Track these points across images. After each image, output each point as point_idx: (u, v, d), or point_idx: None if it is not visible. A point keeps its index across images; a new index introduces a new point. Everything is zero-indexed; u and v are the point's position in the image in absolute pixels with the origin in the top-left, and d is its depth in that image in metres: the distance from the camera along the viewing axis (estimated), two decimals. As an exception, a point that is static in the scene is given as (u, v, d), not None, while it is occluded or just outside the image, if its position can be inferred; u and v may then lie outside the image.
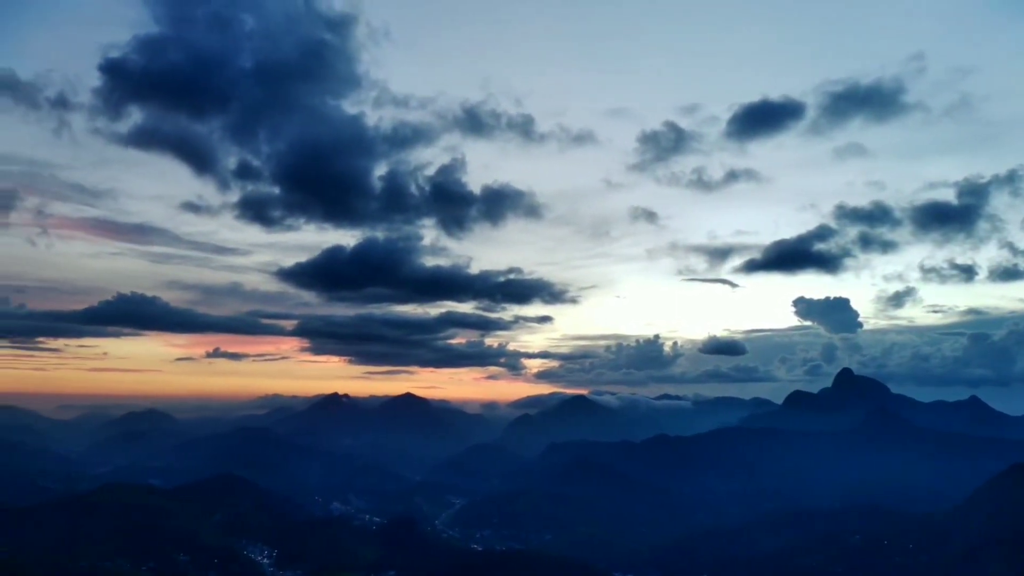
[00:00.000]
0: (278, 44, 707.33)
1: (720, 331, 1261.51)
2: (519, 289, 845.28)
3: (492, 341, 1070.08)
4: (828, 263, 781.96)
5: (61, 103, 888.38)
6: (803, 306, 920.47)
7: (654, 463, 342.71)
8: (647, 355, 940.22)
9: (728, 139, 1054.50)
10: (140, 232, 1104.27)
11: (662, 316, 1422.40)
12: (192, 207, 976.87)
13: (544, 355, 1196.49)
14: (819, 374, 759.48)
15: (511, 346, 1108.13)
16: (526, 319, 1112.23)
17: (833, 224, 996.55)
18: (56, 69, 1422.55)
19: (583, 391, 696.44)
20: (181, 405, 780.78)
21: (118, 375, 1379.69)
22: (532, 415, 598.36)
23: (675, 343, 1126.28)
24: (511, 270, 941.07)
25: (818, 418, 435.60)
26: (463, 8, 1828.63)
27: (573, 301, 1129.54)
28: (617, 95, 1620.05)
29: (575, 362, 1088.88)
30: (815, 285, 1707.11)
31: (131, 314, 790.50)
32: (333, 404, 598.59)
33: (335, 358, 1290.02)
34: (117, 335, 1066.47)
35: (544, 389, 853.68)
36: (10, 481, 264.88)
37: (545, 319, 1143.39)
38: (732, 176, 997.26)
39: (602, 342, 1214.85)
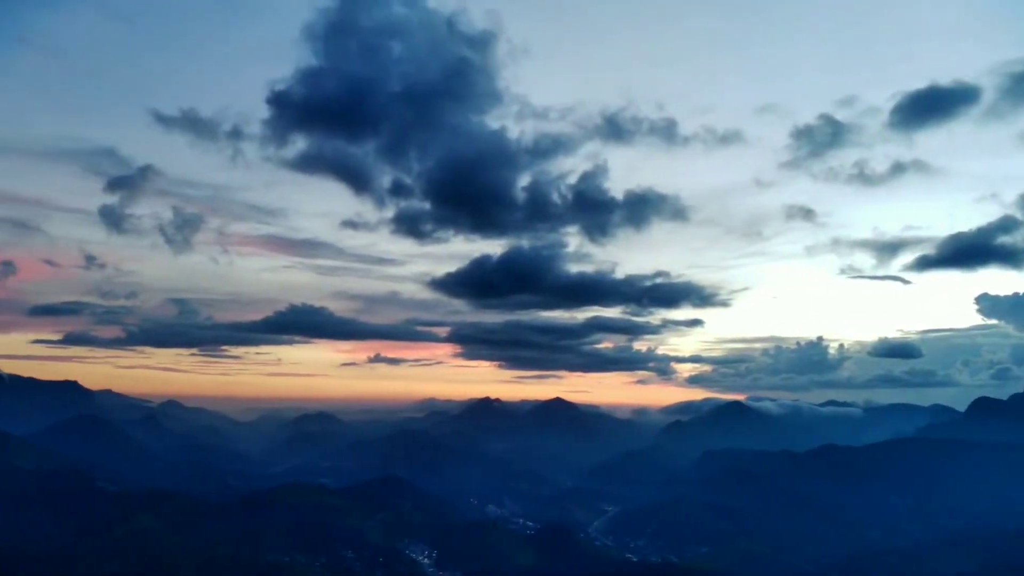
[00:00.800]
0: (424, 67, 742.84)
1: (892, 332, 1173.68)
2: (667, 293, 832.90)
3: (640, 345, 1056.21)
4: (1014, 257, 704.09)
5: (236, 134, 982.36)
6: (987, 303, 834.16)
7: (820, 475, 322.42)
8: (809, 358, 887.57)
9: (892, 130, 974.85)
10: (309, 247, 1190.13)
11: (824, 317, 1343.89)
12: (352, 224, 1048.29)
13: (696, 359, 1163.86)
14: (1008, 378, 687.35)
15: (660, 350, 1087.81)
16: (675, 323, 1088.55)
17: (1019, 215, 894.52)
18: (231, 105, 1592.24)
19: (739, 396, 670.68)
20: (347, 407, 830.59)
21: (291, 379, 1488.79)
22: (684, 421, 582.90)
23: (841, 345, 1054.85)
24: (658, 274, 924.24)
25: (1007, 427, 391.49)
26: (600, 17, 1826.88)
27: (724, 304, 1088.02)
28: (765, 92, 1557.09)
29: (729, 366, 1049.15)
30: (999, 281, 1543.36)
31: (301, 323, 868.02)
32: (485, 408, 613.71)
33: (486, 363, 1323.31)
34: (289, 343, 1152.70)
35: (697, 394, 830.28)
36: (203, 478, 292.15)
37: (695, 322, 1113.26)
38: (898, 168, 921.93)
39: (758, 345, 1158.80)
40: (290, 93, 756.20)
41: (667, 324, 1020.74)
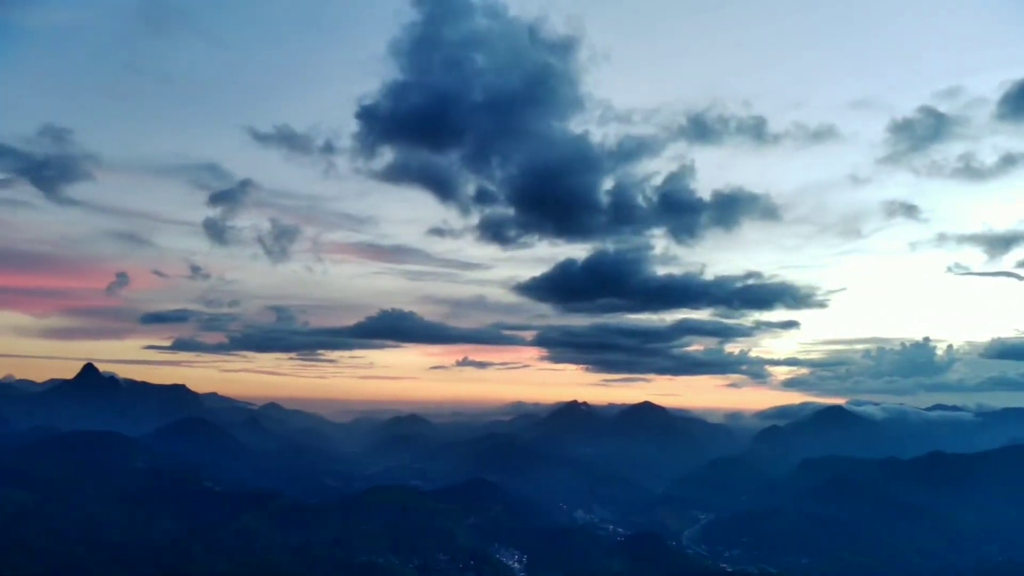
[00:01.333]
0: (506, 76, 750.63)
1: (1008, 332, 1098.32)
2: (759, 294, 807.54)
3: (732, 348, 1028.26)
4: None
5: (328, 148, 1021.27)
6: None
7: (928, 484, 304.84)
8: (914, 360, 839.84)
9: (1001, 121, 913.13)
10: (398, 253, 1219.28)
11: (931, 316, 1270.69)
12: (438, 231, 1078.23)
13: (791, 362, 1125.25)
14: None
15: (753, 352, 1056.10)
16: (769, 324, 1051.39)
17: None
18: (322, 121, 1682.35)
19: (839, 400, 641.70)
20: (437, 410, 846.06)
21: (382, 382, 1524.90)
22: (781, 426, 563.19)
23: (949, 346, 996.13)
24: (749, 275, 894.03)
25: None
26: (682, 17, 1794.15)
27: (821, 304, 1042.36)
28: (859, 86, 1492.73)
29: (828, 369, 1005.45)
30: None
31: (392, 328, 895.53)
32: (573, 411, 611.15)
33: (572, 366, 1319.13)
34: (381, 347, 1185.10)
35: (793, 398, 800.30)
36: (302, 479, 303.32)
37: (790, 324, 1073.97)
38: (1009, 160, 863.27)
39: (859, 346, 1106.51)
40: (377, 107, 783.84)
41: (760, 326, 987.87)
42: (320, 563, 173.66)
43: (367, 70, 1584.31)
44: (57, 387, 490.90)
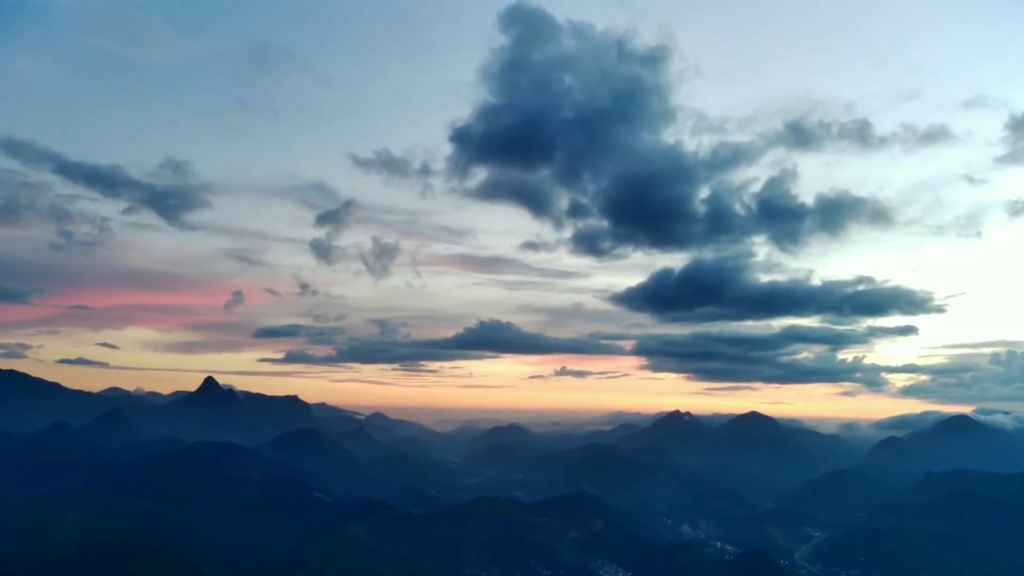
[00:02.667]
0: (594, 93, 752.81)
1: None
2: (871, 300, 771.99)
3: (845, 355, 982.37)
4: None
5: (424, 170, 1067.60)
6: None
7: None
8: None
9: None
10: (495, 263, 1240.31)
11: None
12: (532, 245, 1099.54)
13: (910, 369, 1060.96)
14: None
15: (868, 359, 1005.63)
16: (884, 330, 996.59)
17: None
18: (418, 144, 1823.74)
19: (964, 409, 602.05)
20: (536, 419, 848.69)
21: (482, 391, 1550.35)
22: (900, 437, 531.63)
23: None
24: (860, 280, 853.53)
25: None
26: (774, 22, 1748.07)
27: (939, 309, 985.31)
28: (972, 83, 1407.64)
29: (951, 376, 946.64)
30: None
31: (490, 339, 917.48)
32: (675, 422, 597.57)
33: (673, 375, 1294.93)
34: (480, 357, 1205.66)
35: (913, 407, 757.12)
36: (405, 489, 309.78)
37: (907, 329, 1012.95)
38: None
39: (985, 351, 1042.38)
40: (469, 130, 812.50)
41: (874, 332, 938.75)
42: (424, 575, 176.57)
43: (459, 95, 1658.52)
44: (182, 399, 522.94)
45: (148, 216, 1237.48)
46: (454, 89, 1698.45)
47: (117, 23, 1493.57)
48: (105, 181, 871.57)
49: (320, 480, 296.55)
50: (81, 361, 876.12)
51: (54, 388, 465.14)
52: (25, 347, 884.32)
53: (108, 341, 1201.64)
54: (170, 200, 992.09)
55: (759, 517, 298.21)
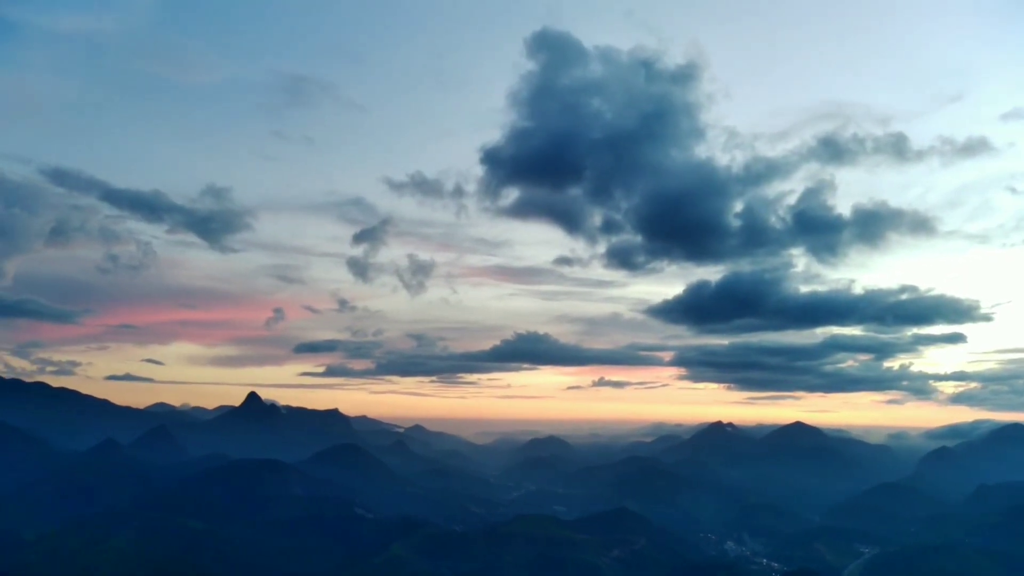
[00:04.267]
0: (623, 115, 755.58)
1: None
2: (916, 309, 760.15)
3: (890, 363, 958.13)
4: None
5: (458, 192, 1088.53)
6: None
7: None
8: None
9: None
10: (531, 274, 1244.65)
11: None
12: (566, 261, 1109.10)
13: (959, 376, 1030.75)
14: None
15: (915, 367, 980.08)
16: (930, 338, 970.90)
17: None
18: (451, 167, 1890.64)
19: (1019, 417, 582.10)
20: (575, 431, 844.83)
21: (520, 402, 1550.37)
22: (951, 447, 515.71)
23: None
24: (903, 289, 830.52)
25: None
26: (804, 37, 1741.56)
27: (986, 318, 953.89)
28: (1011, 96, 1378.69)
29: (1003, 383, 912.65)
30: None
31: (527, 351, 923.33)
32: (718, 433, 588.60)
33: (713, 384, 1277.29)
34: (517, 369, 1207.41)
35: (964, 415, 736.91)
36: (445, 504, 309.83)
37: (955, 337, 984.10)
38: None
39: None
40: (500, 151, 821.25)
41: (920, 340, 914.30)
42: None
43: (490, 120, 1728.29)
44: (226, 415, 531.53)
45: (191, 238, 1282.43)
46: (484, 115, 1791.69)
47: (158, 47, 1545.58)
48: (148, 206, 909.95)
49: (361, 496, 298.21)
50: (128, 377, 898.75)
51: (103, 405, 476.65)
52: (75, 364, 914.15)
53: (154, 357, 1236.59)
54: (212, 224, 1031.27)
55: (806, 533, 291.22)
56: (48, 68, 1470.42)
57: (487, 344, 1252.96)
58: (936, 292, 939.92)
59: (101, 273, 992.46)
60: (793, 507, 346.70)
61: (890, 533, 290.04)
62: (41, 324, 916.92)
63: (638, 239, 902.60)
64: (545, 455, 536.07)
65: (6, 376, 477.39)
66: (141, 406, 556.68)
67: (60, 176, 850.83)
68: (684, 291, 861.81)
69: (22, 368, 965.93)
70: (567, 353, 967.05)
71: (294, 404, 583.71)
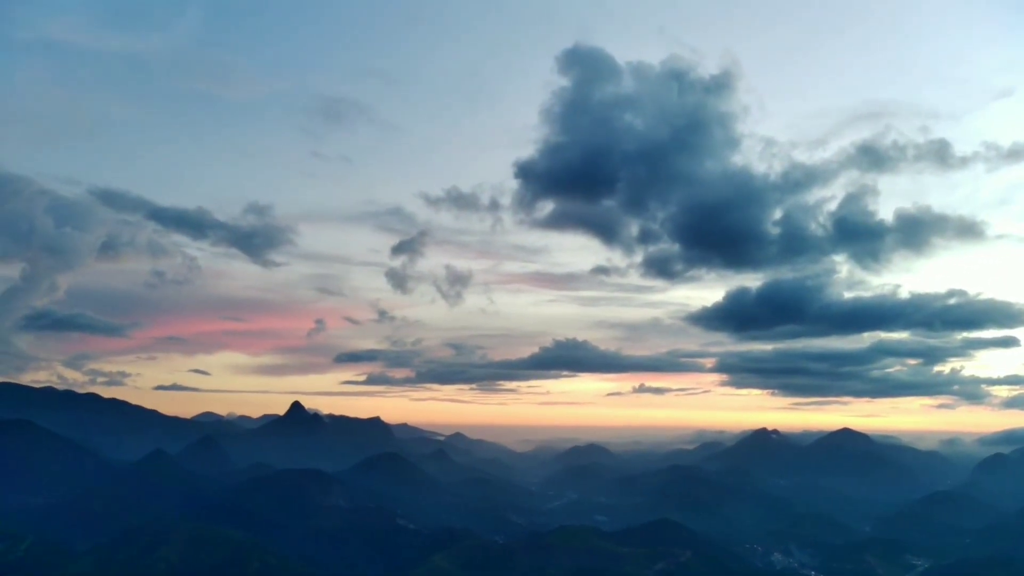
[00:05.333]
0: (657, 129, 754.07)
1: None
2: (965, 313, 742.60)
3: (941, 367, 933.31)
4: None
5: (494, 205, 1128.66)
6: None
7: None
8: None
9: None
10: (570, 280, 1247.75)
11: None
12: (603, 270, 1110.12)
13: (1013, 380, 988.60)
14: None
15: (966, 371, 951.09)
16: (981, 342, 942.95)
17: None
18: (486, 181, 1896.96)
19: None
20: (615, 438, 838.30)
21: (560, 408, 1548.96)
22: (1007, 454, 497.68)
23: None
24: (951, 294, 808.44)
25: None
26: (839, 39, 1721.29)
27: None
28: None
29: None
30: None
31: (566, 358, 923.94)
32: (762, 440, 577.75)
33: (756, 390, 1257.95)
34: (556, 377, 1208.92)
35: (1020, 420, 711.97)
36: (486, 514, 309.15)
37: (1008, 341, 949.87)
38: None
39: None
40: (534, 165, 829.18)
41: (971, 344, 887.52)
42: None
43: (523, 137, 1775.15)
44: (270, 424, 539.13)
45: (234, 252, 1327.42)
46: (518, 132, 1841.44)
47: (202, 65, 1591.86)
48: (193, 224, 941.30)
49: (403, 506, 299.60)
50: (176, 387, 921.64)
51: (152, 415, 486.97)
52: (124, 375, 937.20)
53: (200, 366, 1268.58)
54: (255, 239, 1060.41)
55: (856, 544, 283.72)
56: (97, 87, 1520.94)
57: (526, 352, 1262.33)
58: (986, 296, 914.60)
59: (148, 288, 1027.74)
60: (842, 517, 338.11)
61: (943, 545, 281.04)
62: (92, 337, 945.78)
63: (675, 248, 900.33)
64: (586, 463, 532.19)
65: (59, 387, 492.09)
66: (188, 415, 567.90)
67: (109, 197, 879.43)
68: (724, 298, 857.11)
69: (74, 379, 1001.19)
70: (607, 361, 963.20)
71: (336, 412, 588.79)
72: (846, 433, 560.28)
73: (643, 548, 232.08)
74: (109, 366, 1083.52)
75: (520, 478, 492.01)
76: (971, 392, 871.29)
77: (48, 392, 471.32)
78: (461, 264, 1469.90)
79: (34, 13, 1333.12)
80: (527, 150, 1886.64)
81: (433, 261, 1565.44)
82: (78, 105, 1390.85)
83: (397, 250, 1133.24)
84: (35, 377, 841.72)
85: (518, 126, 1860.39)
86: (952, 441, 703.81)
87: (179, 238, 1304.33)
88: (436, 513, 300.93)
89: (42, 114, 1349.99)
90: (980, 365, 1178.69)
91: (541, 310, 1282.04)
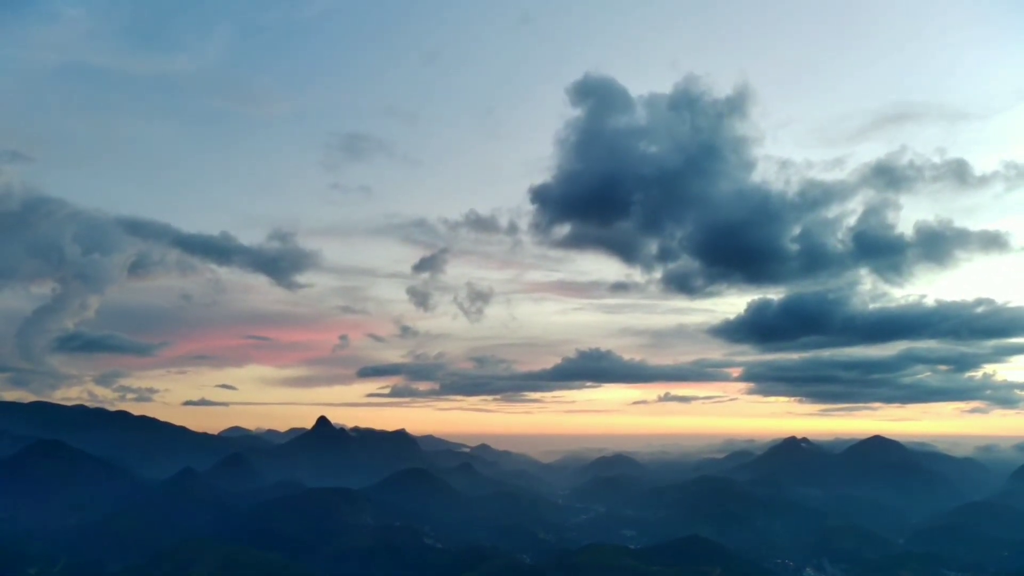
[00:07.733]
0: (672, 152, 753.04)
1: None
2: (993, 322, 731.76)
3: (972, 373, 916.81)
4: None
5: (512, 228, 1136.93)
6: None
7: None
8: None
9: None
10: (594, 288, 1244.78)
11: None
12: (622, 287, 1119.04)
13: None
14: None
15: (999, 376, 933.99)
16: (1013, 348, 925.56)
17: None
18: (503, 205, 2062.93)
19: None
20: (642, 447, 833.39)
21: (585, 417, 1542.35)
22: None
23: None
24: (979, 302, 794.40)
25: None
26: (853, 61, 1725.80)
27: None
28: None
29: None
30: None
31: (590, 368, 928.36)
32: (792, 449, 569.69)
33: (784, 398, 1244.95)
34: (580, 387, 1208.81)
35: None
36: (513, 531, 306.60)
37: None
38: None
39: None
40: (550, 190, 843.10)
41: (1001, 349, 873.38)
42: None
43: (538, 167, 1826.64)
44: (297, 439, 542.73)
45: (259, 277, 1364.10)
46: (533, 162, 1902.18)
47: (228, 86, 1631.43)
48: (217, 250, 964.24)
49: (430, 523, 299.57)
50: (204, 402, 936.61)
51: (181, 432, 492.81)
52: (153, 391, 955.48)
53: (228, 381, 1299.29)
54: (280, 263, 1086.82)
55: (892, 558, 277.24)
56: (125, 109, 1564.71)
57: (549, 363, 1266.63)
58: (1014, 304, 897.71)
59: (176, 309, 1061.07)
60: (875, 529, 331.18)
61: (981, 558, 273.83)
62: (122, 357, 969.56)
63: (695, 265, 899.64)
64: (613, 475, 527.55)
65: (90, 405, 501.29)
66: (216, 431, 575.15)
67: (135, 226, 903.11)
68: (746, 310, 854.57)
69: (104, 396, 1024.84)
70: (631, 370, 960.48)
71: (362, 423, 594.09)
72: (878, 441, 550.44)
73: (673, 566, 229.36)
74: (138, 382, 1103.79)
75: (547, 490, 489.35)
76: (1004, 397, 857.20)
77: (79, 411, 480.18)
78: (483, 274, 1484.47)
79: (66, 38, 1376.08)
80: (542, 177, 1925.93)
81: (456, 271, 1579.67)
82: (108, 127, 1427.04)
83: (419, 268, 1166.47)
84: (66, 395, 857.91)
85: (533, 158, 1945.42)
86: (988, 447, 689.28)
87: (204, 263, 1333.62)
88: (463, 530, 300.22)
89: (72, 136, 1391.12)
90: (1013, 368, 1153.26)
91: (565, 319, 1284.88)
